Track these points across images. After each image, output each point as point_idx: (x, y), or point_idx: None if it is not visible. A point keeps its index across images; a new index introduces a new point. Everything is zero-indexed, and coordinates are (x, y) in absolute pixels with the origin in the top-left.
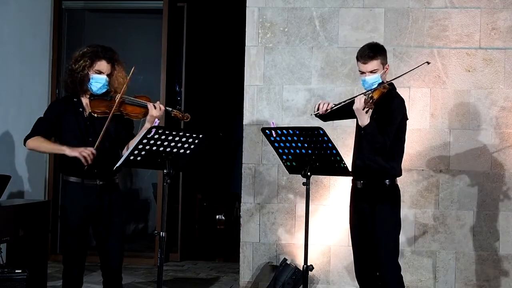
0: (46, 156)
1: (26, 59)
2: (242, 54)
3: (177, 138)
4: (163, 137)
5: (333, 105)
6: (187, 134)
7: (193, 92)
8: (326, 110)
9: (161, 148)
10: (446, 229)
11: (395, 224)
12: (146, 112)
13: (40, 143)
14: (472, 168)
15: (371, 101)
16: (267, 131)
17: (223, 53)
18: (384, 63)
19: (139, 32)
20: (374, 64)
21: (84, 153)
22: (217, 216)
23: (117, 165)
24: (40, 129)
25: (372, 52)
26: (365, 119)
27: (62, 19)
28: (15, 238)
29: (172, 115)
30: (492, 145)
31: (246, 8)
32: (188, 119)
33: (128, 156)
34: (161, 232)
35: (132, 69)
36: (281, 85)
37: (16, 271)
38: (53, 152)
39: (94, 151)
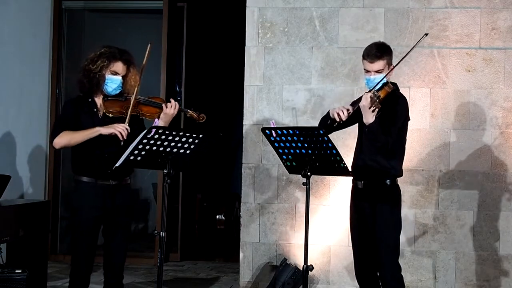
0: (47, 156)
1: (26, 59)
2: (242, 54)
3: (177, 138)
4: (163, 137)
5: (351, 110)
6: (187, 134)
7: (193, 92)
8: (349, 113)
9: (161, 148)
10: (446, 229)
11: (396, 224)
12: (161, 112)
13: (70, 136)
14: (472, 168)
15: (377, 100)
16: (267, 131)
17: (223, 53)
18: (389, 63)
19: (139, 32)
20: (380, 64)
21: (119, 128)
22: (217, 216)
23: (117, 164)
24: (63, 125)
25: (380, 52)
26: (370, 117)
27: (62, 19)
28: (15, 238)
29: (188, 115)
30: (492, 145)
31: (246, 8)
32: (204, 120)
33: (128, 156)
34: (161, 232)
35: (145, 59)
36: (281, 85)
37: (16, 271)
38: (87, 138)
39: (127, 127)
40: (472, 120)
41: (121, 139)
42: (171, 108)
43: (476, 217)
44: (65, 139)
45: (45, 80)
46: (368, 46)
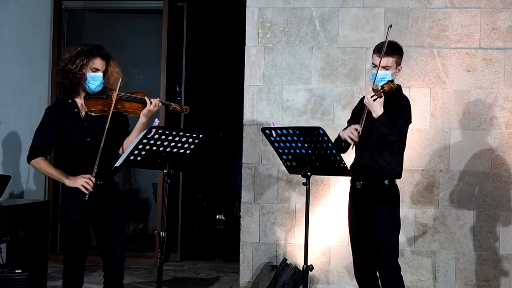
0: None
1: (26, 59)
2: (242, 54)
3: (177, 138)
4: (163, 137)
5: (359, 128)
6: (187, 134)
7: (193, 92)
8: (359, 132)
9: (161, 148)
10: (446, 229)
11: (395, 224)
12: (143, 107)
13: (42, 168)
14: (472, 168)
15: (381, 90)
16: (267, 131)
17: (223, 53)
18: (398, 62)
19: (139, 32)
20: (388, 60)
21: (83, 182)
22: (217, 216)
23: (116, 164)
24: (39, 146)
25: (390, 48)
26: (378, 109)
27: (62, 19)
28: (15, 238)
29: (171, 108)
30: (492, 145)
31: (246, 8)
32: (187, 111)
33: (128, 156)
34: (161, 232)
35: (119, 80)
36: (281, 85)
37: (16, 271)
38: (53, 178)
39: (92, 178)
40: (472, 120)
41: (86, 192)
42: (152, 104)
43: (476, 217)
44: (38, 166)
45: (45, 80)
46: (380, 42)
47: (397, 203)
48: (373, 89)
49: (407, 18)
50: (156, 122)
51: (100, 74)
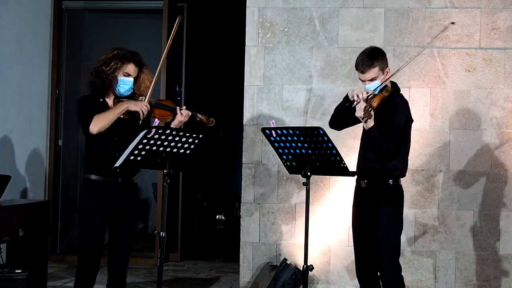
0: (46, 156)
1: (26, 59)
2: (242, 54)
3: (177, 138)
4: (163, 137)
5: (371, 92)
6: (187, 134)
7: (193, 92)
8: (367, 98)
9: (161, 148)
10: (446, 229)
11: (397, 225)
12: (172, 116)
13: (102, 118)
14: (472, 168)
15: (370, 109)
16: (267, 131)
17: (223, 53)
18: (383, 68)
19: (139, 32)
20: (372, 72)
21: (144, 108)
22: (217, 216)
23: (116, 164)
24: (90, 112)
25: (370, 60)
26: (368, 124)
27: (62, 19)
28: (15, 238)
29: (198, 119)
30: (492, 145)
31: (246, 8)
32: (213, 123)
33: (128, 156)
34: (161, 232)
35: (158, 68)
36: (281, 85)
37: (16, 271)
38: (119, 114)
39: (148, 105)
40: (472, 120)
41: (142, 118)
42: (183, 116)
43: (476, 217)
44: (100, 122)
45: (45, 80)
46: (359, 55)
47: (400, 204)
48: (364, 109)
49: (407, 18)
50: (156, 122)
51: (131, 79)
